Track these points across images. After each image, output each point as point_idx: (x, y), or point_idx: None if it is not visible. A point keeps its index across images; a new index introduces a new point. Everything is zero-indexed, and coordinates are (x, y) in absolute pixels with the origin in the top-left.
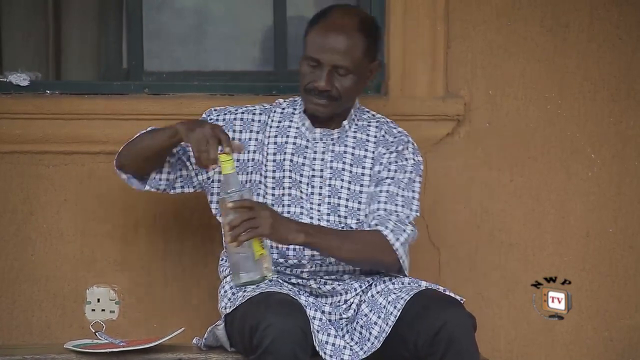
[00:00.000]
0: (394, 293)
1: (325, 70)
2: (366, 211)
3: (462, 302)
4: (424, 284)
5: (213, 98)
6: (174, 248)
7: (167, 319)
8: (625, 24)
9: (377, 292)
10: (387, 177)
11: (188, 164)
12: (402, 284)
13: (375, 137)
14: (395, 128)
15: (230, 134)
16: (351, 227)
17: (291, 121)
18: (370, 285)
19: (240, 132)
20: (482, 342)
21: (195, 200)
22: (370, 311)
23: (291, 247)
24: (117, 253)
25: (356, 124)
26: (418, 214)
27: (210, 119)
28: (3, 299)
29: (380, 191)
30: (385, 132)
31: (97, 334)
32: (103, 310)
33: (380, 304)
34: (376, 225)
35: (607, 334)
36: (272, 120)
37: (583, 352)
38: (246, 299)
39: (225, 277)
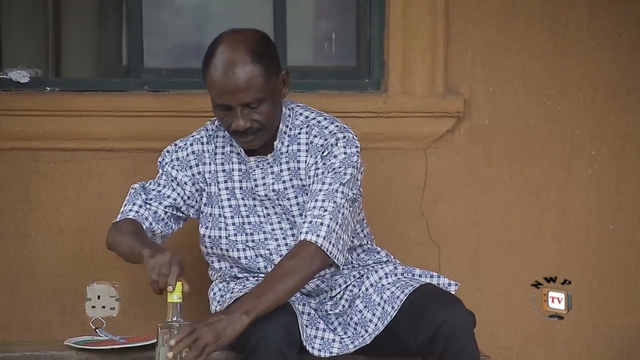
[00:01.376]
0: (389, 289)
1: (237, 111)
2: None
3: (459, 297)
4: (417, 272)
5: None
6: (173, 245)
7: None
8: (625, 22)
9: (371, 286)
10: (308, 185)
11: (180, 214)
12: (396, 276)
13: (306, 144)
14: (327, 127)
15: (188, 171)
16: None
17: (231, 146)
18: (362, 276)
19: (197, 165)
20: (481, 339)
21: None
22: (365, 307)
23: (259, 257)
24: None
25: (289, 136)
26: (343, 203)
27: (166, 162)
28: (3, 296)
29: (315, 190)
30: (316, 136)
31: (97, 330)
32: (103, 307)
33: (375, 301)
34: (306, 233)
35: (607, 332)
36: (217, 147)
37: (583, 350)
38: (232, 300)
39: (215, 279)
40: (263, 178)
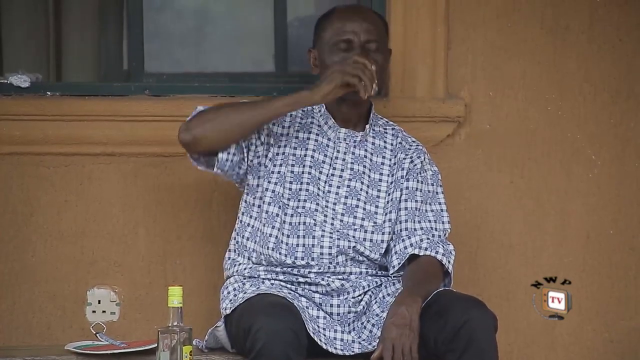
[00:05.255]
0: None
1: (356, 50)
2: (389, 219)
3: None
4: None
5: (214, 99)
6: (174, 249)
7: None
8: (626, 26)
9: (388, 294)
10: (416, 190)
11: (245, 148)
12: None
13: (392, 144)
14: (409, 137)
15: (279, 129)
16: (366, 230)
17: (313, 117)
18: (380, 285)
19: (274, 124)
20: None
21: (195, 201)
22: (382, 312)
23: (299, 246)
24: (117, 254)
25: (374, 130)
26: (450, 225)
27: None
28: (3, 300)
29: (416, 209)
30: (402, 139)
31: (97, 335)
32: (103, 311)
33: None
34: (427, 249)
35: (607, 336)
36: (297, 116)
37: (583, 354)
38: (244, 300)
39: (229, 277)
40: (345, 153)
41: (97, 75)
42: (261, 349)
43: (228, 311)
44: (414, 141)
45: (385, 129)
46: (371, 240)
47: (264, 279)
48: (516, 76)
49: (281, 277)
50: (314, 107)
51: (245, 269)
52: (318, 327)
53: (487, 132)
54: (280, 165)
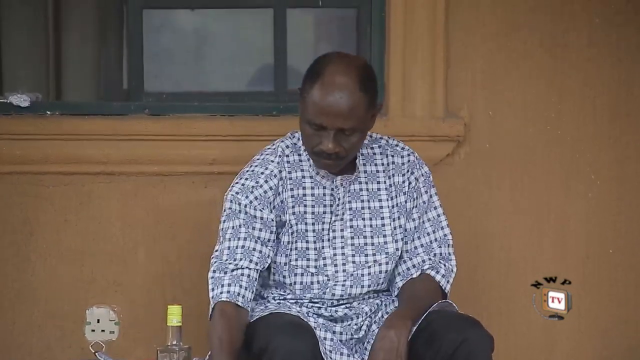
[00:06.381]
0: None
1: (330, 134)
2: (400, 246)
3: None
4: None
5: (213, 119)
6: (173, 269)
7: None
8: (625, 45)
9: (387, 313)
10: (413, 208)
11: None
12: None
13: (383, 164)
14: (397, 145)
15: (267, 212)
16: (380, 264)
17: (302, 170)
18: (381, 303)
19: (274, 199)
20: None
21: (194, 221)
22: None
23: (315, 298)
24: (116, 273)
25: (362, 154)
26: (449, 230)
27: (245, 204)
28: (3, 320)
29: (415, 227)
30: (392, 155)
31: (96, 354)
32: (103, 330)
33: None
34: (428, 269)
35: (607, 354)
36: (286, 174)
37: None
38: (253, 319)
39: None
40: (343, 196)
41: (97, 95)
42: None
43: None
44: (402, 148)
45: (372, 148)
46: (386, 271)
47: (266, 298)
48: (515, 95)
49: (290, 296)
50: (299, 156)
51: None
52: (325, 348)
53: (486, 151)
54: (283, 233)
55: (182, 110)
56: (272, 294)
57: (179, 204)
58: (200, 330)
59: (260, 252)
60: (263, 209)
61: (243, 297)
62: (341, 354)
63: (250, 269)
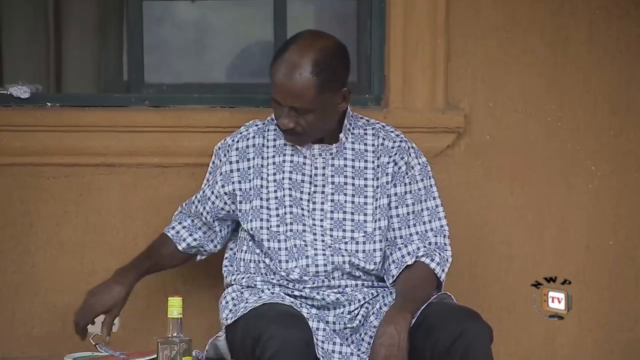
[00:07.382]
0: None
1: (284, 110)
2: (378, 227)
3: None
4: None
5: (213, 110)
6: None
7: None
8: (625, 37)
9: (385, 305)
10: (406, 193)
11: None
12: None
13: (374, 145)
14: (392, 132)
15: (228, 166)
16: (357, 242)
17: (283, 138)
18: (376, 296)
19: (237, 162)
20: None
21: None
22: (379, 324)
23: (296, 268)
24: (117, 265)
25: (352, 134)
26: (446, 221)
27: (220, 160)
28: (3, 311)
29: (409, 213)
30: (384, 138)
31: (97, 346)
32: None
33: None
34: (423, 256)
35: (607, 347)
36: (267, 140)
37: None
38: (248, 310)
39: (229, 284)
40: (324, 168)
41: (97, 86)
42: (271, 357)
43: (229, 321)
44: (397, 135)
45: (365, 129)
46: (364, 251)
47: (260, 288)
48: (516, 87)
49: (277, 289)
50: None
51: (242, 278)
52: (317, 339)
53: (486, 143)
54: (252, 200)
55: (182, 101)
56: (265, 283)
57: (179, 196)
58: (201, 322)
59: (213, 202)
60: (232, 162)
61: (177, 232)
62: (334, 343)
63: (200, 214)
